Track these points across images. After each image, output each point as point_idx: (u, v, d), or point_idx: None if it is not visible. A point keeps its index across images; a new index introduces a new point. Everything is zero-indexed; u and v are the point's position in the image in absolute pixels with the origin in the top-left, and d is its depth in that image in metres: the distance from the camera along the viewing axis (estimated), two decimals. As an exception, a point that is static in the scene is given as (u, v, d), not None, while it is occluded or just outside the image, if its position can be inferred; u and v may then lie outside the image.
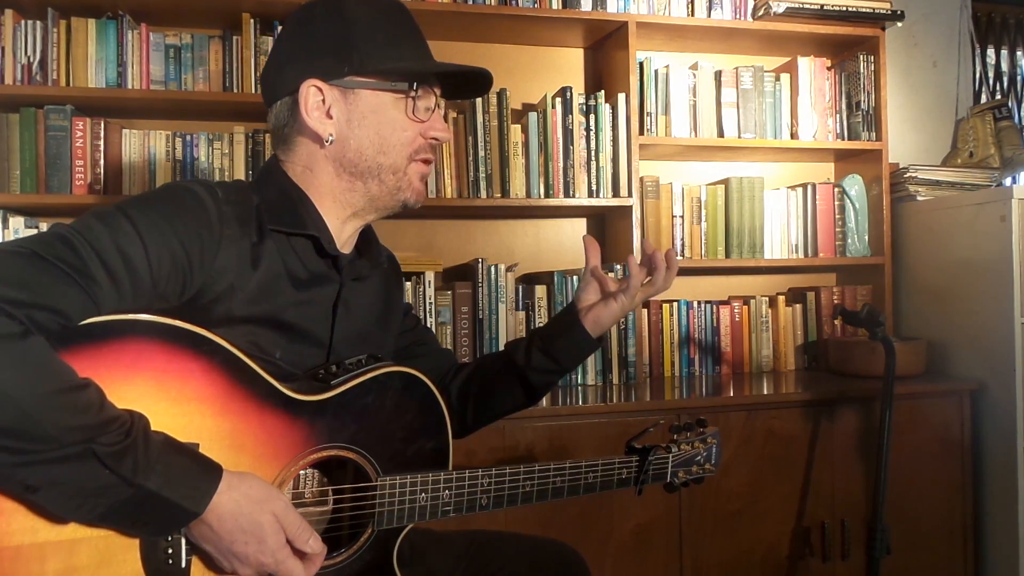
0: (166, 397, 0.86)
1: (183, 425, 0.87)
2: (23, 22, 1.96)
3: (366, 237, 1.15)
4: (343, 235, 1.07)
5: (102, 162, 1.99)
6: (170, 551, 0.86)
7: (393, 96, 1.02)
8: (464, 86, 1.13)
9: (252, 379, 0.92)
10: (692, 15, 2.32)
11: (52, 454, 0.75)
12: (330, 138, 1.01)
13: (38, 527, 0.80)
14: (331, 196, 1.05)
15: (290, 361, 0.99)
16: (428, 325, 2.08)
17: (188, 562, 0.88)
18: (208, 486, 0.83)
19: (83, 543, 0.82)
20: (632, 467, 1.21)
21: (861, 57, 2.42)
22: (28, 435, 0.74)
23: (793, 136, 2.42)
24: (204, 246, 0.91)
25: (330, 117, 1.01)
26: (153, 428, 0.83)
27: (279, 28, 2.07)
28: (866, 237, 2.46)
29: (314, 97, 1.00)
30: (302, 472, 1.00)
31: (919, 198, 2.41)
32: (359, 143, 1.02)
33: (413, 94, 1.02)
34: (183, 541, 0.87)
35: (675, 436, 1.27)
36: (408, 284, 2.08)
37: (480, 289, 2.13)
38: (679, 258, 2.30)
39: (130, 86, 2.01)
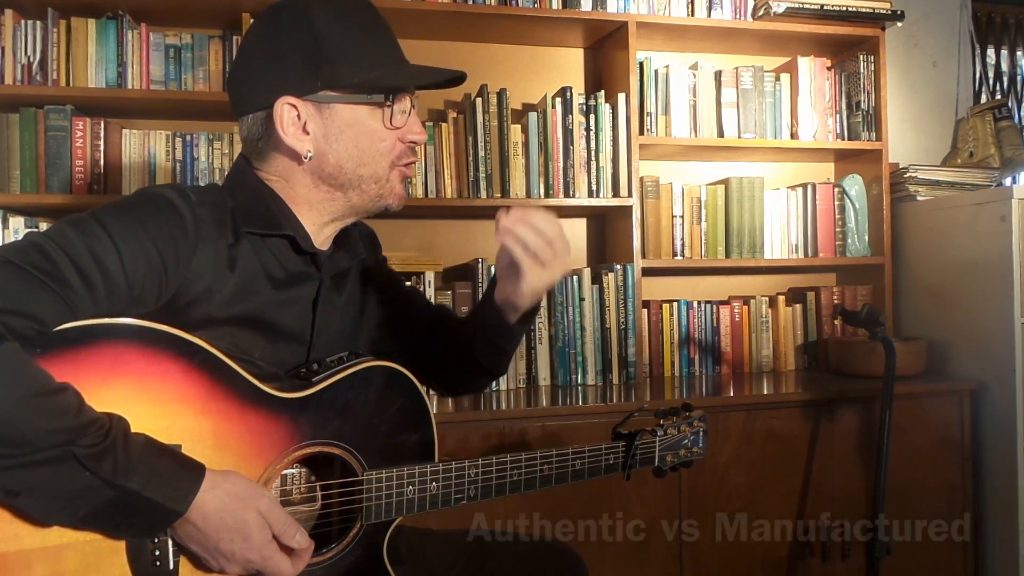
0: (147, 399, 0.86)
1: (165, 427, 0.86)
2: (23, 22, 1.96)
3: (344, 229, 1.13)
4: (321, 236, 1.07)
5: (102, 162, 1.99)
6: (157, 552, 0.86)
7: (369, 108, 1.01)
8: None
9: (233, 379, 0.92)
10: (692, 15, 2.32)
11: (31, 458, 0.76)
12: (308, 154, 1.00)
13: (22, 534, 0.79)
14: (308, 204, 1.04)
15: (271, 361, 0.99)
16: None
17: (176, 563, 0.87)
18: (191, 485, 0.83)
19: (69, 548, 0.82)
20: (619, 452, 1.21)
21: (861, 57, 2.42)
22: (6, 439, 0.75)
23: (793, 136, 2.42)
24: (179, 249, 0.91)
25: (307, 133, 1.00)
26: (135, 430, 0.83)
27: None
28: (866, 237, 2.46)
29: (289, 114, 0.99)
30: (290, 471, 1.00)
31: (919, 198, 2.41)
32: (338, 157, 1.01)
33: (389, 104, 1.01)
34: (170, 542, 0.87)
35: (661, 421, 1.27)
36: (408, 284, 2.07)
37: (480, 289, 2.13)
38: (678, 258, 2.31)
39: (130, 86, 2.01)
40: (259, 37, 1.03)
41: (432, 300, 2.08)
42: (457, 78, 1.08)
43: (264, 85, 1.00)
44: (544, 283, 1.04)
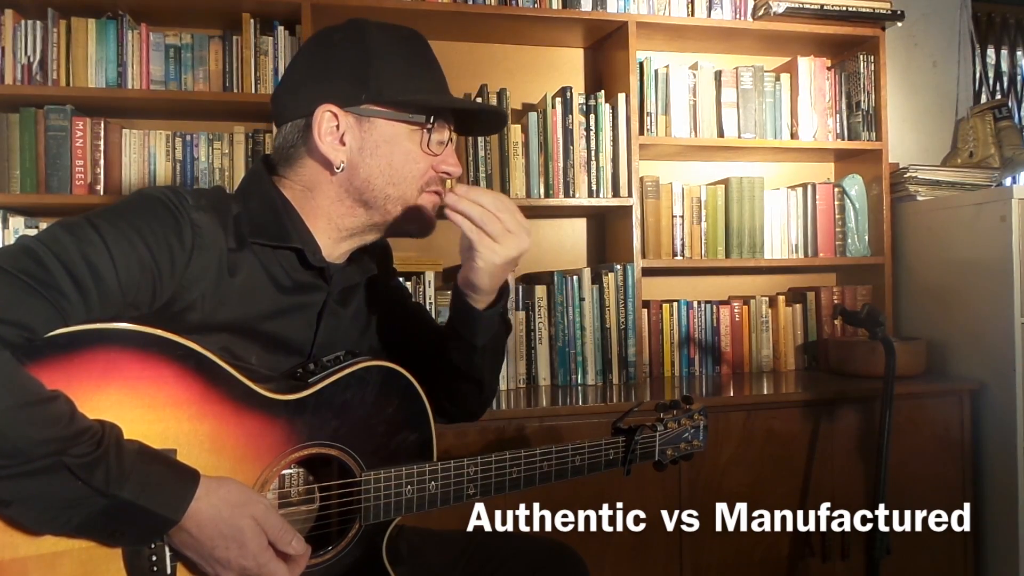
0: (140, 404, 0.85)
1: (159, 431, 0.86)
2: (23, 22, 1.96)
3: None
4: (337, 251, 1.06)
5: (102, 162, 1.99)
6: (154, 558, 0.86)
7: (408, 128, 1.02)
8: (476, 124, 1.13)
9: (228, 382, 0.91)
10: (692, 15, 2.32)
11: (22, 468, 0.75)
12: (341, 165, 1.00)
13: (17, 542, 0.79)
14: (326, 218, 1.03)
15: (267, 367, 0.99)
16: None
17: (173, 569, 0.87)
18: (185, 492, 0.83)
19: (65, 556, 0.81)
20: (619, 448, 1.21)
21: (861, 57, 2.42)
22: None
23: (793, 136, 2.42)
24: (174, 254, 0.90)
25: (343, 144, 1.00)
26: (129, 436, 0.82)
27: (277, 33, 2.07)
28: (866, 237, 2.46)
29: (328, 122, 0.99)
30: (287, 472, 1.00)
31: (919, 198, 2.41)
32: (369, 172, 1.01)
33: (429, 127, 1.02)
34: (167, 548, 0.87)
35: (661, 415, 1.27)
36: (408, 284, 2.08)
37: (480, 289, 2.12)
38: (678, 258, 2.31)
39: (130, 86, 2.01)
40: (311, 51, 1.04)
41: (432, 300, 2.09)
42: (494, 113, 1.12)
43: (308, 93, 1.00)
44: (500, 258, 1.01)
